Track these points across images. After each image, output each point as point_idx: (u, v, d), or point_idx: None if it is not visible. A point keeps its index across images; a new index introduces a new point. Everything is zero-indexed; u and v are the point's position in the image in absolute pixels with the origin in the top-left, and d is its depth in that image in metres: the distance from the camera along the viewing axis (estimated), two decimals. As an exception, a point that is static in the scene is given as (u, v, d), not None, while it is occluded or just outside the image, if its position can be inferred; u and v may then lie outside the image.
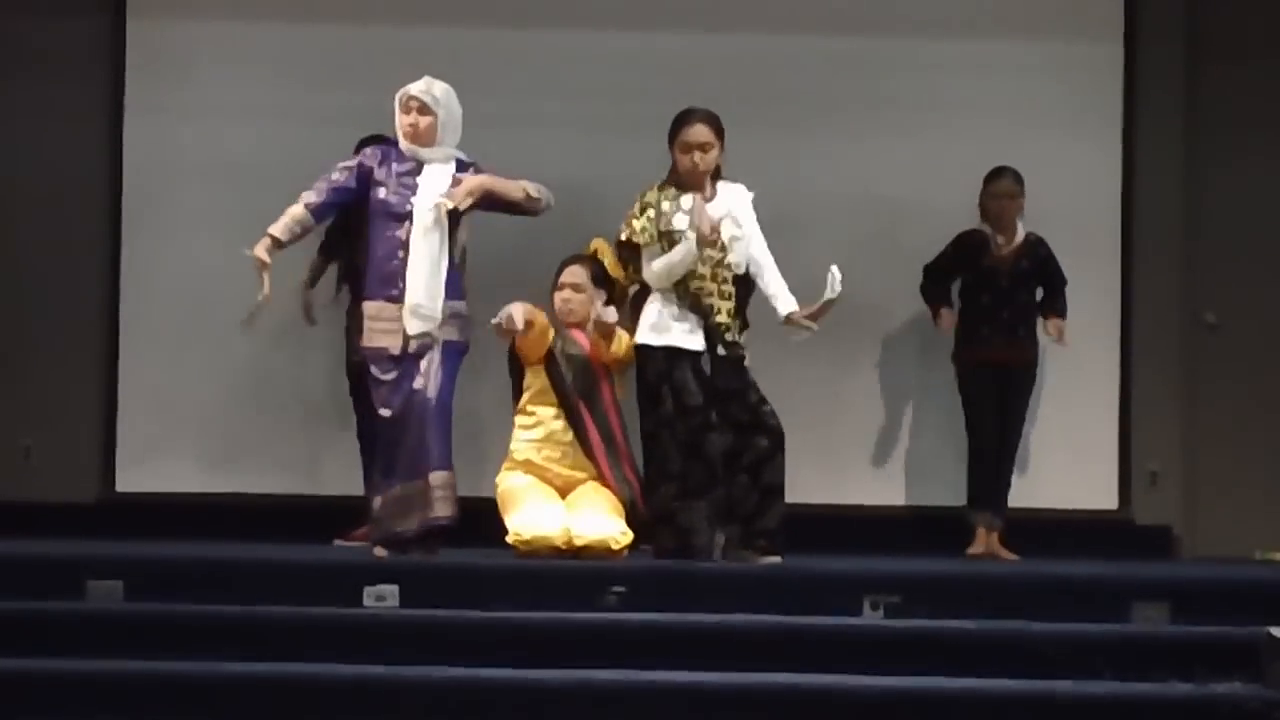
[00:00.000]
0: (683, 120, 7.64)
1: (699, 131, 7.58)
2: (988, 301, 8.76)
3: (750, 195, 7.73)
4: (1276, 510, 9.25)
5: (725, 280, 7.61)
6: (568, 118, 9.13)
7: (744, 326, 7.70)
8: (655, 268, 7.60)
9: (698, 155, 7.58)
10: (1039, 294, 8.85)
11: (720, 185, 7.70)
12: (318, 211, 7.68)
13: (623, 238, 7.72)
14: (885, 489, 9.24)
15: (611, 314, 7.64)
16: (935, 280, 8.89)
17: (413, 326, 7.58)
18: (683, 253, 7.52)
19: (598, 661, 6.36)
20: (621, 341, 7.70)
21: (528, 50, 9.22)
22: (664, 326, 7.61)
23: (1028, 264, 8.78)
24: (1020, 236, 8.79)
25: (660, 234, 7.60)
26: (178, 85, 9.24)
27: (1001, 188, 8.74)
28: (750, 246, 7.70)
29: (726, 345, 7.60)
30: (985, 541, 8.69)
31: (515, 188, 7.73)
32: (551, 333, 7.71)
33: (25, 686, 6.18)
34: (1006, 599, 6.95)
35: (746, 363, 7.67)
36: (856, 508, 9.08)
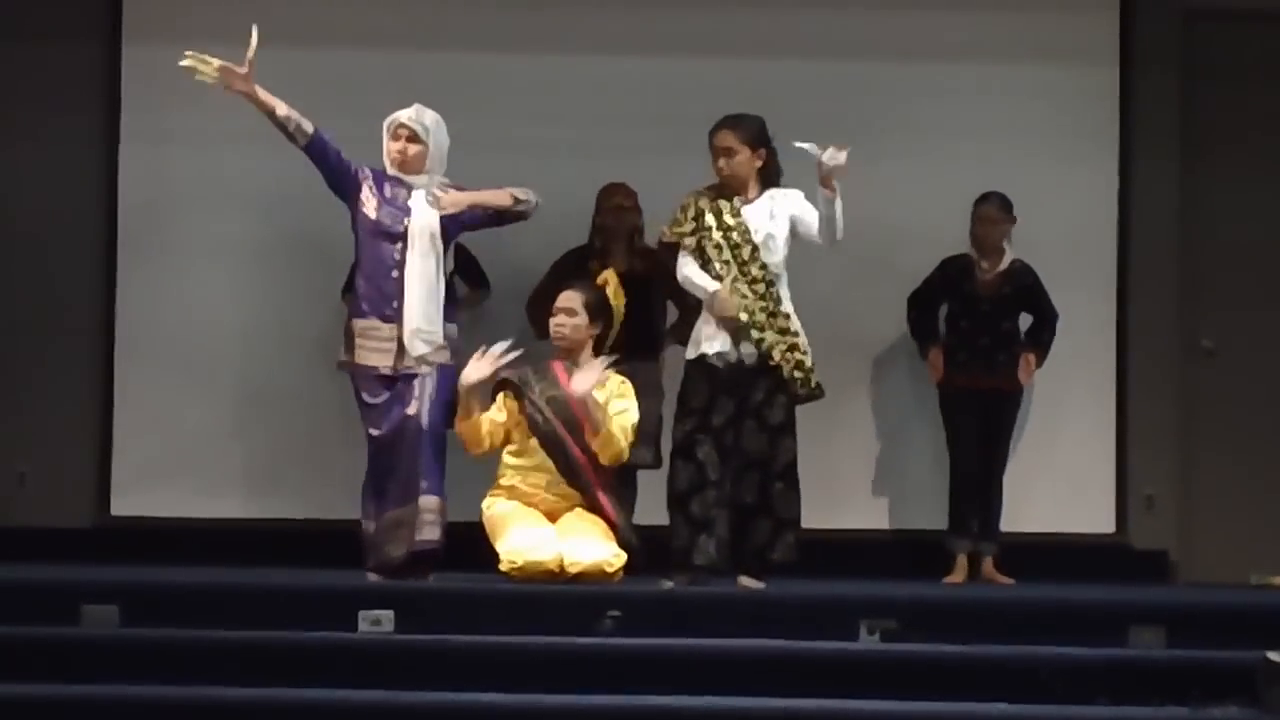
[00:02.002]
0: (712, 128, 7.66)
1: (721, 136, 7.61)
2: (968, 327, 8.79)
3: (801, 194, 7.71)
4: (1273, 535, 9.25)
5: (756, 279, 7.57)
6: (564, 143, 9.13)
7: (787, 332, 7.61)
8: (682, 274, 7.62)
9: (722, 160, 7.60)
10: (1027, 321, 8.87)
11: (771, 190, 7.68)
12: (316, 141, 7.67)
13: (663, 240, 7.73)
14: (875, 513, 9.22)
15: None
16: (922, 310, 8.90)
17: (416, 349, 7.61)
18: (703, 292, 7.55)
19: (593, 686, 6.34)
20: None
21: (525, 75, 9.24)
22: (696, 340, 7.64)
23: (1010, 290, 8.80)
24: (1006, 262, 8.81)
25: (694, 233, 7.60)
26: (174, 111, 9.24)
27: (986, 211, 8.77)
28: (812, 229, 7.63)
29: (753, 343, 7.56)
30: (965, 569, 8.71)
31: (502, 195, 7.75)
32: (502, 419, 7.68)
33: (20, 712, 6.15)
34: (1003, 623, 6.95)
35: (784, 370, 7.56)
36: (846, 532, 9.06)
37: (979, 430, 8.80)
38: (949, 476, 8.88)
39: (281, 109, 7.63)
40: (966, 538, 8.78)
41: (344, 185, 7.72)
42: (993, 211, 8.79)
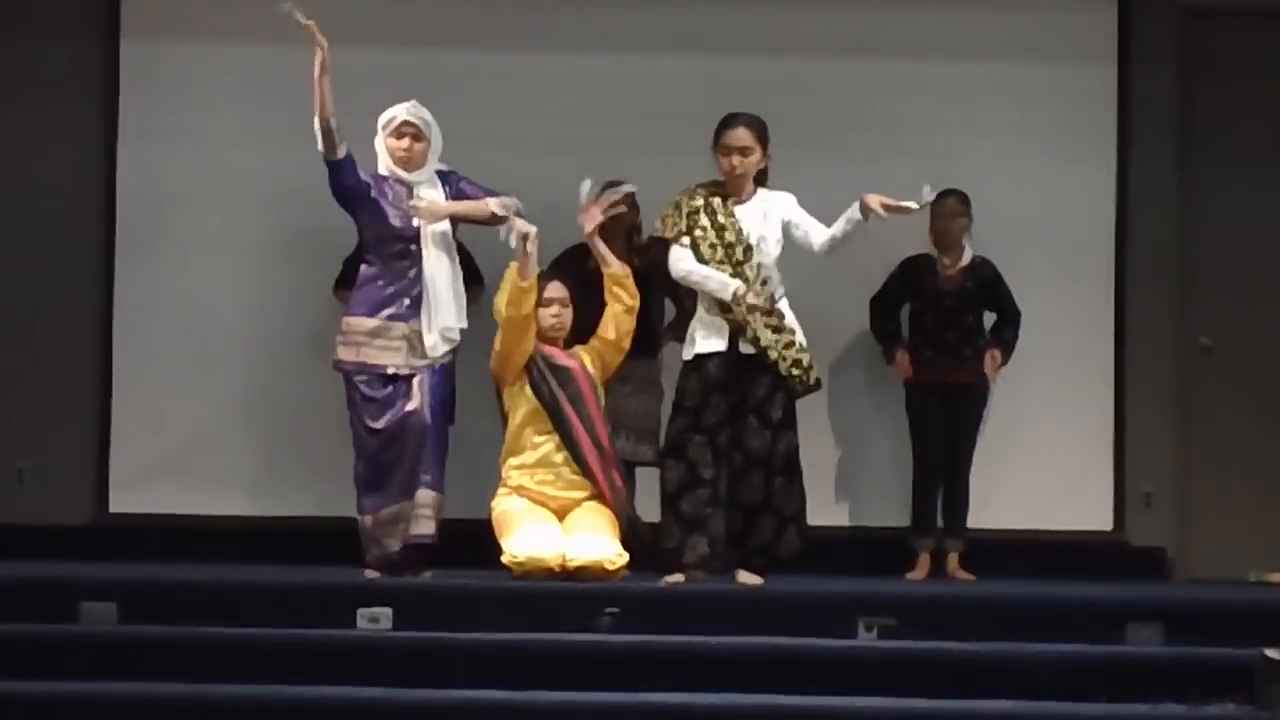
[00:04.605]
0: (724, 124, 7.64)
1: (739, 135, 7.59)
2: (931, 323, 8.80)
3: (794, 198, 7.71)
4: (1270, 532, 9.25)
5: (750, 279, 7.57)
6: (561, 141, 9.13)
7: (783, 329, 7.59)
8: (681, 270, 7.60)
9: (736, 158, 7.59)
10: (990, 319, 8.88)
11: (761, 191, 7.70)
12: (345, 161, 7.64)
13: (655, 236, 7.75)
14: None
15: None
16: (884, 312, 8.89)
17: (440, 348, 7.65)
18: (715, 284, 7.52)
19: (592, 683, 6.36)
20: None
21: (521, 73, 9.24)
22: (691, 339, 7.64)
23: (973, 285, 8.81)
24: (966, 258, 8.82)
25: (689, 231, 7.61)
26: (172, 109, 9.25)
27: (945, 207, 8.77)
28: (811, 235, 7.63)
29: (750, 342, 7.56)
30: (927, 567, 8.71)
31: (481, 209, 7.77)
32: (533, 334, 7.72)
33: (19, 709, 6.16)
34: (1001, 620, 6.95)
35: (781, 368, 7.55)
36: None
37: (945, 426, 8.80)
38: (913, 473, 8.88)
39: (334, 120, 7.59)
40: (930, 535, 8.80)
41: (356, 199, 7.71)
42: (955, 205, 8.80)
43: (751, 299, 7.46)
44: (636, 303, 7.83)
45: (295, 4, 7.57)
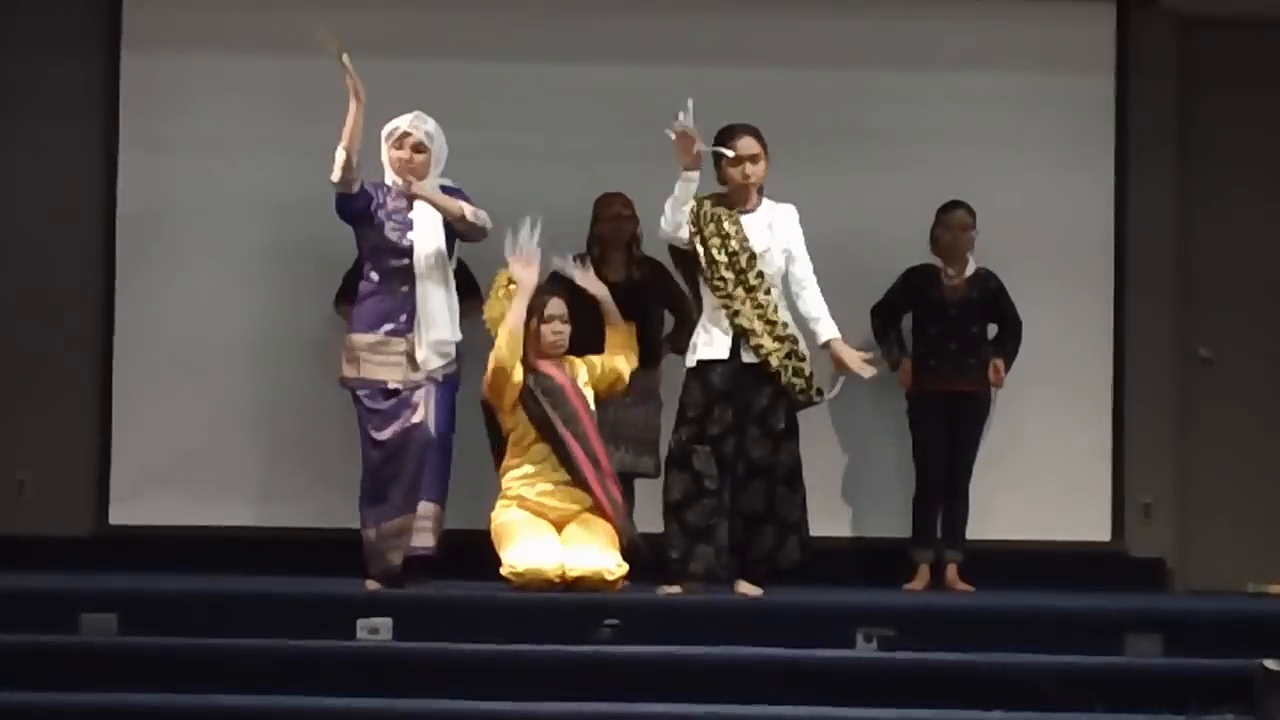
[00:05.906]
0: (729, 135, 7.66)
1: (748, 143, 7.63)
2: (935, 333, 8.80)
3: (797, 214, 7.73)
4: (1270, 543, 9.25)
5: (754, 287, 7.59)
6: (562, 152, 9.15)
7: (785, 339, 7.62)
8: (664, 219, 7.62)
9: (749, 166, 7.62)
10: (993, 329, 8.89)
11: (767, 201, 7.72)
12: (361, 194, 7.64)
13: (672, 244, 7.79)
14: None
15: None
16: (886, 321, 8.90)
17: (433, 362, 7.66)
18: (679, 186, 7.55)
19: (591, 694, 6.36)
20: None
21: (523, 84, 9.25)
22: (694, 347, 7.66)
23: (977, 296, 8.82)
24: (970, 269, 8.83)
25: (698, 235, 7.63)
26: (172, 119, 9.25)
27: (956, 219, 8.79)
28: (794, 266, 7.68)
29: (753, 351, 7.58)
30: (926, 578, 8.71)
31: (455, 207, 7.73)
32: (520, 373, 7.70)
33: (19, 720, 6.19)
34: (1000, 631, 6.95)
35: (783, 377, 7.59)
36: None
37: (947, 436, 8.80)
38: (915, 484, 8.87)
39: (356, 156, 7.56)
40: (929, 546, 8.80)
41: (360, 214, 7.71)
42: (965, 218, 8.81)
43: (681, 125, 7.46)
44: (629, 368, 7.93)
45: (329, 38, 7.53)
